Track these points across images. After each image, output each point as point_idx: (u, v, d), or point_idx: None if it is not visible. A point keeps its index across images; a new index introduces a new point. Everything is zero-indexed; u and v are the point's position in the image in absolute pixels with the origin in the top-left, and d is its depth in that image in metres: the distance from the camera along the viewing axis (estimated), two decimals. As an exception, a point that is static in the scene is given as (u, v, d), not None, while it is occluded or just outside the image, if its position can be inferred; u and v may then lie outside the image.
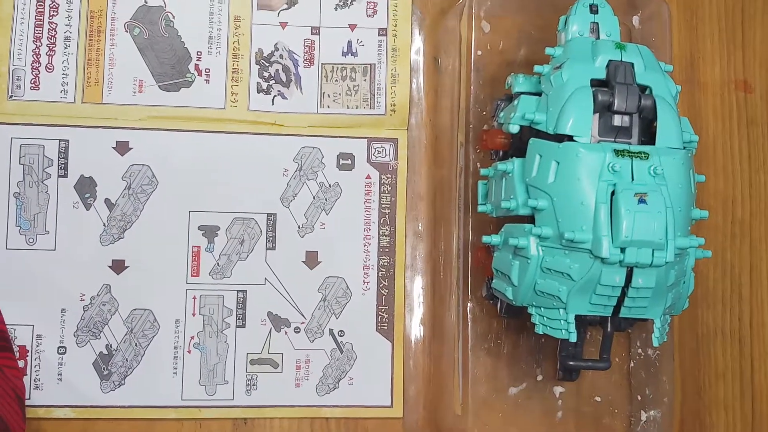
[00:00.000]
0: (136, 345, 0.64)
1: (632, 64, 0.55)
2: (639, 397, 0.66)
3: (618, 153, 0.52)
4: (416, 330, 0.67)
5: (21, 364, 0.63)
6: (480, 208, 0.62)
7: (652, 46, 0.58)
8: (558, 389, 0.66)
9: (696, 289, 0.61)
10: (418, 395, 0.66)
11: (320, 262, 0.66)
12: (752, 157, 0.72)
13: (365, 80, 0.68)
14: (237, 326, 0.65)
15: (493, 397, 0.65)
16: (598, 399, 0.66)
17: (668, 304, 0.55)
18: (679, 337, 0.68)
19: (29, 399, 0.63)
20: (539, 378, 0.66)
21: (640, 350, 0.66)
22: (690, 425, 0.68)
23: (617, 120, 0.55)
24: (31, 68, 0.65)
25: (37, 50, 0.65)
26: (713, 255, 0.69)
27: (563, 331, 0.55)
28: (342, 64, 0.68)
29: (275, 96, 0.67)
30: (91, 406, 0.63)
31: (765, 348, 0.70)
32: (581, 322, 0.56)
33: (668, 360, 0.65)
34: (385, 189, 0.68)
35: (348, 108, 0.68)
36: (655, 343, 0.55)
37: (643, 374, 0.66)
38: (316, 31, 0.68)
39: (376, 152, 0.68)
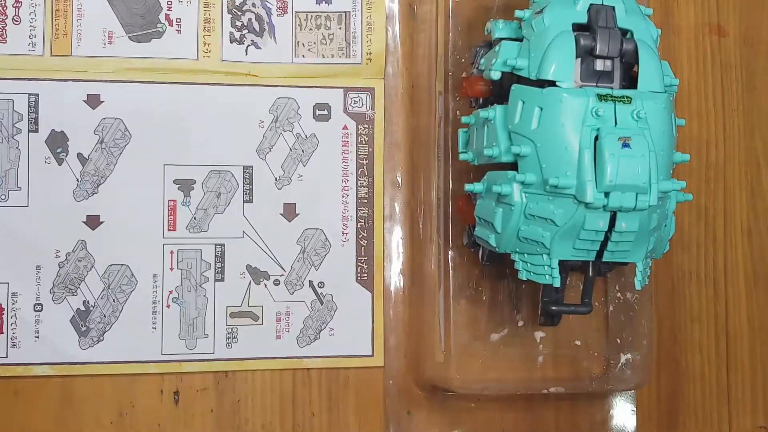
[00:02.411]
0: (113, 301, 0.63)
1: (613, 8, 0.55)
2: (618, 341, 0.67)
3: (601, 98, 0.52)
4: (396, 280, 0.67)
5: (-3, 322, 0.62)
6: (461, 156, 0.61)
7: (627, -10, 0.58)
8: (539, 334, 0.66)
9: (671, 234, 0.61)
10: (399, 344, 0.66)
11: (298, 214, 0.66)
12: (726, 101, 0.72)
13: (340, 29, 0.67)
14: (216, 280, 0.65)
15: (474, 344, 0.65)
16: (578, 343, 0.67)
17: (650, 248, 0.55)
18: (656, 280, 0.69)
19: (6, 357, 0.62)
20: (520, 324, 0.66)
21: (618, 294, 0.67)
22: (666, 367, 0.70)
23: (599, 64, 0.54)
24: (-3, 20, 0.63)
25: (2, 2, 0.63)
26: (688, 199, 0.69)
27: (546, 276, 0.55)
28: (316, 12, 0.67)
29: (249, 46, 0.66)
30: (71, 363, 0.63)
31: (738, 290, 0.71)
32: (563, 267, 0.56)
33: (647, 303, 0.66)
34: (363, 139, 0.67)
35: (323, 57, 0.67)
36: (638, 287, 0.56)
37: (621, 318, 0.67)
38: (288, -22, 0.67)
39: (353, 102, 0.67)
